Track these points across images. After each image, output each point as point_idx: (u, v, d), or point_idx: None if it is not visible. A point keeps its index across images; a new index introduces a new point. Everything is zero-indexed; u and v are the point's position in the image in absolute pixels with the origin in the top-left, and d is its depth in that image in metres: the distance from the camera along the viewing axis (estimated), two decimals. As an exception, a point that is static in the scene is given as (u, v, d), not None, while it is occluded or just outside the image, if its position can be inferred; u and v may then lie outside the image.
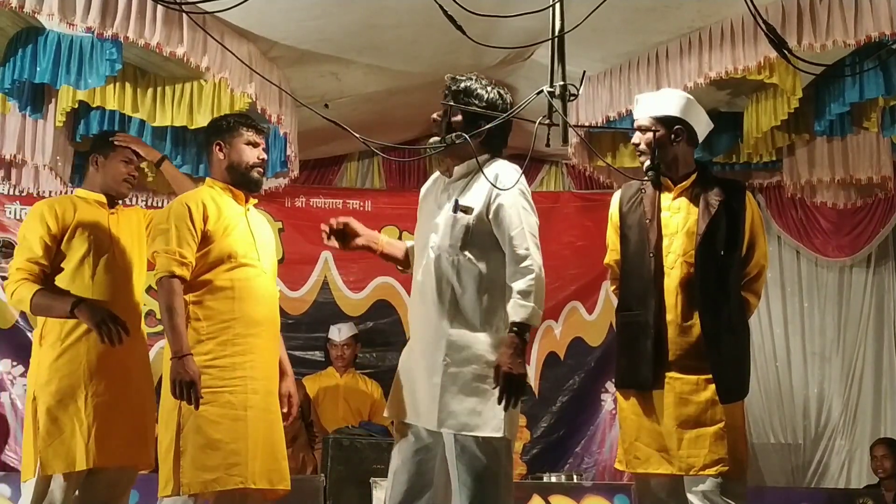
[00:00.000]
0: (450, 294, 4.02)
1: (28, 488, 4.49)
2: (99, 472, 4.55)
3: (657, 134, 4.54)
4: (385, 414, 4.28)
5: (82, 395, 4.51)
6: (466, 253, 4.05)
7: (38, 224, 4.70)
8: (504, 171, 4.13)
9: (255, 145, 4.61)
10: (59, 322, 4.59)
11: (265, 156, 4.67)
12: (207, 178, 4.74)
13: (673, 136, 4.54)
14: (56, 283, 4.66)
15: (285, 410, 4.64)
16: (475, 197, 4.11)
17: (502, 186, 4.04)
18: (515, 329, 3.91)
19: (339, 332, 8.03)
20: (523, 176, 4.13)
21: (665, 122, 4.55)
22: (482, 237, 4.06)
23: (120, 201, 5.03)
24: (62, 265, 4.69)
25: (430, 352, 4.00)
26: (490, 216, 4.06)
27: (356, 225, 4.32)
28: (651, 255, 4.48)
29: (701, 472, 4.30)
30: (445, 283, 4.03)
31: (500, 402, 3.87)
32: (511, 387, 3.85)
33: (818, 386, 8.85)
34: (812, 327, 8.92)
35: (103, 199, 4.91)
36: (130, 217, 5.01)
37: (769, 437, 8.78)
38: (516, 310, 3.93)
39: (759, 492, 7.22)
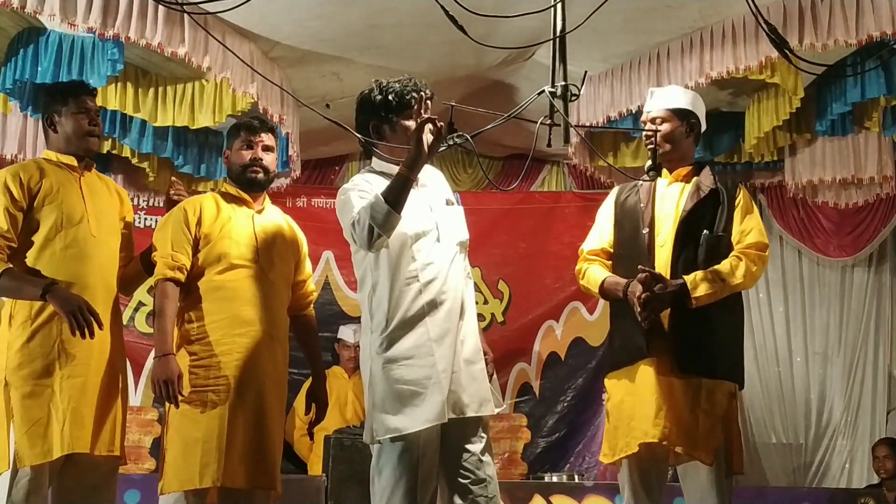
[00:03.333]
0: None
1: (3, 480, 4.14)
2: (74, 459, 4.22)
3: (673, 126, 4.54)
4: (433, 422, 3.85)
5: (58, 379, 4.15)
6: None
7: (1, 194, 4.24)
8: None
9: (251, 145, 4.57)
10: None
11: (261, 154, 4.54)
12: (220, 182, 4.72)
13: (687, 129, 4.57)
14: (26, 257, 4.27)
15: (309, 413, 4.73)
16: (449, 193, 4.22)
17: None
18: None
19: (354, 334, 7.96)
20: None
21: (681, 114, 4.56)
22: None
23: (85, 161, 4.52)
24: (32, 238, 4.27)
25: (473, 338, 4.06)
26: None
27: None
28: (645, 231, 4.47)
29: (681, 449, 4.28)
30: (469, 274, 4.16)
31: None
32: None
33: (820, 385, 8.85)
34: (813, 327, 8.93)
35: (72, 160, 4.44)
36: (107, 183, 4.66)
37: (771, 437, 8.79)
38: None
39: (761, 491, 7.22)
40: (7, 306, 4.27)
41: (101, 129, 4.60)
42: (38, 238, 4.26)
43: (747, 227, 4.47)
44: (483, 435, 3.98)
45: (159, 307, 4.33)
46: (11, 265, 4.16)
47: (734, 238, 4.45)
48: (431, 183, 4.17)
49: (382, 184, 3.94)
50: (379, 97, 4.05)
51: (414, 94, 4.04)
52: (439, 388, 3.85)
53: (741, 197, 4.51)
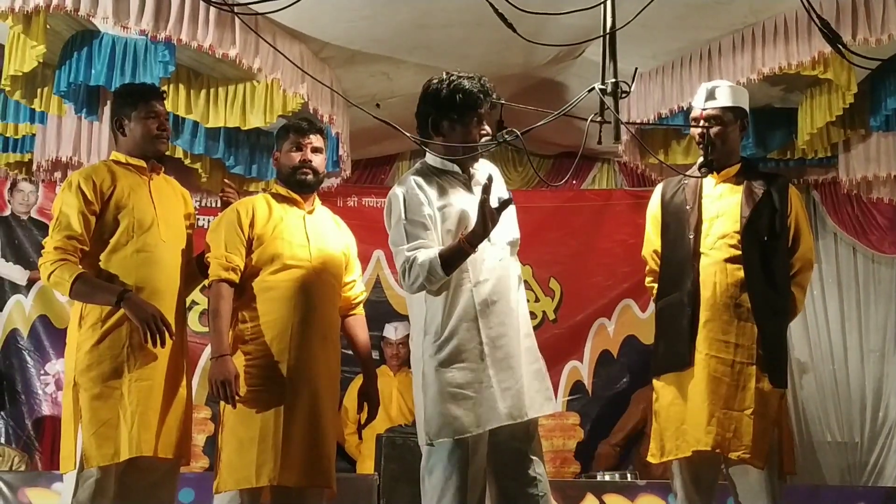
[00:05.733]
0: None
1: (69, 480, 4.19)
2: (136, 460, 4.24)
3: (728, 125, 4.53)
4: (484, 427, 3.86)
5: (127, 381, 4.19)
6: None
7: (74, 197, 4.28)
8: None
9: (300, 147, 4.60)
10: None
11: (310, 156, 4.59)
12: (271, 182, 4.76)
13: (741, 127, 4.57)
14: (99, 259, 4.32)
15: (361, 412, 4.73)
16: (504, 192, 4.14)
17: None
18: None
19: (395, 331, 8.02)
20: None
21: (736, 112, 4.56)
22: None
23: (153, 163, 4.61)
24: (108, 239, 4.31)
25: (528, 339, 4.05)
26: None
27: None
28: (690, 236, 4.47)
29: (735, 456, 4.28)
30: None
31: None
32: None
33: (875, 383, 8.74)
34: (868, 324, 8.82)
35: (142, 163, 4.52)
36: (172, 185, 4.74)
37: (825, 436, 8.70)
38: None
39: (816, 490, 7.15)
40: (77, 307, 4.33)
41: (169, 132, 4.67)
42: (110, 241, 4.32)
43: (804, 252, 4.50)
44: (532, 433, 3.97)
45: (214, 308, 4.37)
46: (83, 269, 4.22)
47: (795, 267, 4.52)
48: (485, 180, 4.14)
49: (436, 191, 3.98)
50: (445, 92, 4.02)
51: (481, 98, 4.01)
52: (491, 392, 3.84)
53: (793, 198, 4.50)
